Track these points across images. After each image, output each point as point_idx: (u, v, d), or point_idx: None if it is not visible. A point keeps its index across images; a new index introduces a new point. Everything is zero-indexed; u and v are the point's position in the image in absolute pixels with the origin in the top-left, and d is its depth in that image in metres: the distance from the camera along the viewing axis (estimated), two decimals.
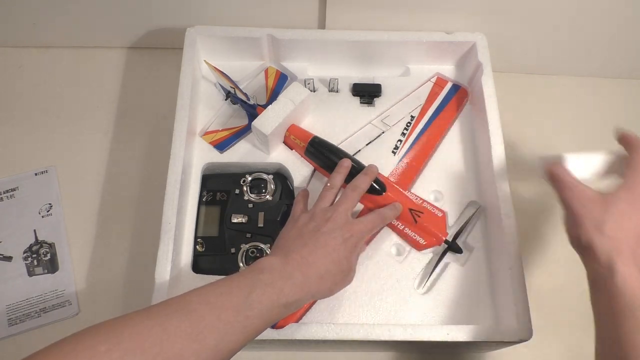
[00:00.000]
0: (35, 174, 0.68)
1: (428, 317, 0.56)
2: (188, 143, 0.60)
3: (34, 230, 0.64)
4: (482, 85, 0.64)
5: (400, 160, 0.63)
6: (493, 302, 0.57)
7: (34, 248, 0.63)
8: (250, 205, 0.60)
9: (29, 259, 0.63)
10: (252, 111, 0.65)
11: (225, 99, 0.67)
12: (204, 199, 0.61)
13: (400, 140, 0.64)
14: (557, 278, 0.64)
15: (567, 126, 0.74)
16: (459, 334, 0.51)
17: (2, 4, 0.70)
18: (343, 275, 0.49)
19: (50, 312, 0.61)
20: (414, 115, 0.66)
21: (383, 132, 0.65)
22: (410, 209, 0.58)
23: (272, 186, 0.61)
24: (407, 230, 0.58)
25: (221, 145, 0.64)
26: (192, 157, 0.63)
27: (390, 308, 0.56)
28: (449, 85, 0.68)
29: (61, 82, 0.75)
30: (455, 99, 0.67)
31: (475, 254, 0.59)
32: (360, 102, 0.67)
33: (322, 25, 0.71)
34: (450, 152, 0.65)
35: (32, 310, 0.60)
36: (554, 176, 0.47)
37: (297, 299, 0.44)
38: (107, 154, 0.70)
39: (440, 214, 0.59)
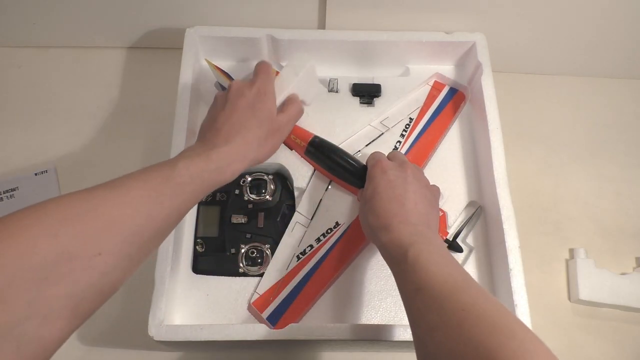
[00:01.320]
0: (35, 174, 0.68)
1: None
2: (188, 143, 0.60)
3: None
4: (481, 85, 0.64)
5: None
6: None
7: None
8: (250, 206, 0.60)
9: None
10: None
11: None
12: (203, 199, 0.61)
13: (399, 142, 0.64)
14: (557, 278, 0.64)
15: (567, 126, 0.74)
16: None
17: (2, 4, 0.70)
18: (267, 129, 0.52)
19: None
20: (412, 117, 0.66)
21: (382, 133, 0.65)
22: None
23: (271, 186, 0.61)
24: None
25: None
26: None
27: (390, 308, 0.56)
28: (446, 89, 0.68)
29: (61, 82, 0.75)
30: (452, 102, 0.67)
31: (475, 254, 0.59)
32: (360, 102, 0.67)
33: (322, 25, 0.71)
34: (450, 152, 0.65)
35: None
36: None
37: (228, 162, 0.46)
38: (107, 154, 0.70)
39: (440, 214, 0.59)
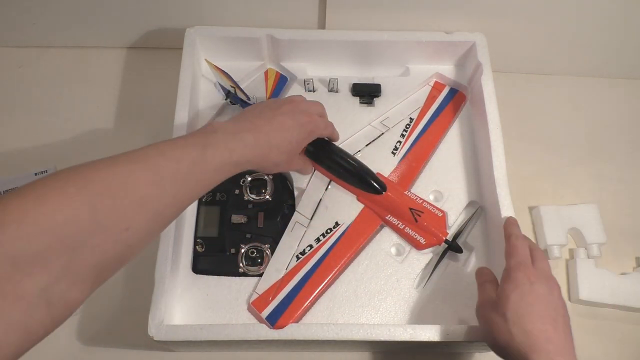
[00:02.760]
0: (35, 174, 0.68)
1: (428, 317, 0.56)
2: None
3: None
4: (481, 85, 0.64)
5: (400, 160, 0.63)
6: None
7: None
8: (250, 206, 0.60)
9: None
10: None
11: (225, 99, 0.67)
12: (203, 199, 0.61)
13: (399, 142, 0.64)
14: (557, 278, 0.64)
15: (567, 126, 0.74)
16: (459, 334, 0.51)
17: (2, 4, 0.70)
18: (289, 156, 0.53)
19: None
20: (412, 117, 0.66)
21: (382, 133, 0.65)
22: (411, 209, 0.58)
23: (271, 186, 0.61)
24: (407, 230, 0.58)
25: None
26: None
27: (390, 308, 0.56)
28: (446, 90, 0.69)
29: (61, 82, 0.75)
30: (452, 103, 0.67)
31: (475, 254, 0.59)
32: (360, 102, 0.67)
33: (322, 25, 0.71)
34: (450, 152, 0.65)
35: None
36: None
37: (247, 160, 0.47)
38: (107, 154, 0.69)
39: (440, 214, 0.59)
